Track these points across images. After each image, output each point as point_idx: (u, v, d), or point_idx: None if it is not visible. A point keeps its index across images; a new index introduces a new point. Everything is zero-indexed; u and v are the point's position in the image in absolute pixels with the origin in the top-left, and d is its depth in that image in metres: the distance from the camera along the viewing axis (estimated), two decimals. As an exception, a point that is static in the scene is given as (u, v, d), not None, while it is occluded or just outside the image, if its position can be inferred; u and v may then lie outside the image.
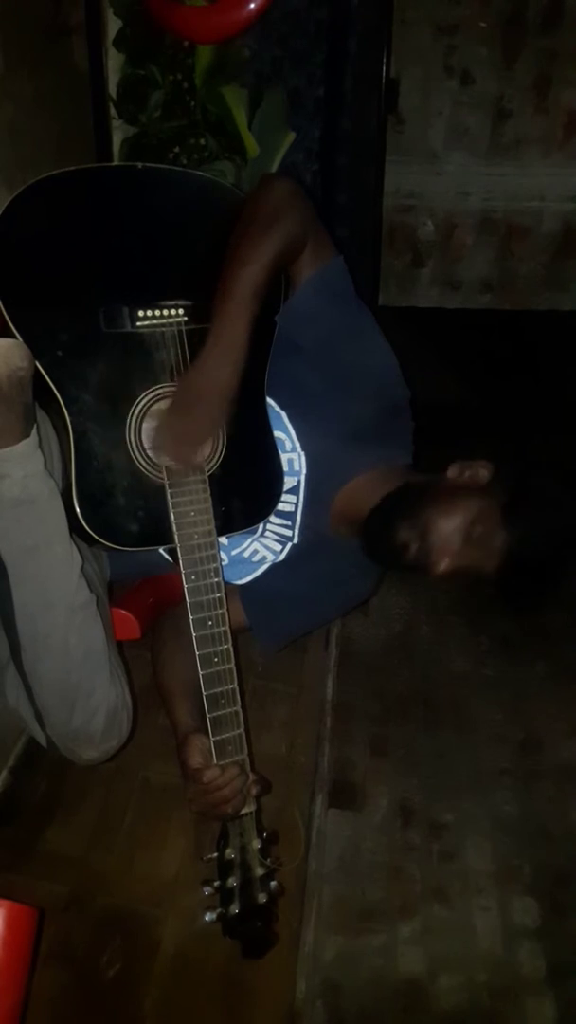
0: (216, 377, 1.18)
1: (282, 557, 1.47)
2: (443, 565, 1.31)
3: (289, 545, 1.46)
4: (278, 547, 1.47)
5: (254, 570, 1.48)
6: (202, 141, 2.16)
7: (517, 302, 3.35)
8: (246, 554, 1.46)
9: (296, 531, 1.45)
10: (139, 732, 1.35)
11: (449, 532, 1.31)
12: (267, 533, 1.46)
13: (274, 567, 1.48)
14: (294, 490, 1.41)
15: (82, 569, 1.21)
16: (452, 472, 1.38)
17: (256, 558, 1.47)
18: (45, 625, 1.18)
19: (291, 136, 2.24)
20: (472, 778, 1.73)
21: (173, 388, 1.23)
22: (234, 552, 1.45)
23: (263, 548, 1.47)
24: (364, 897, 1.50)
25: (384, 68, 2.29)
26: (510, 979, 1.38)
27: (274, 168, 2.23)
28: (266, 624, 1.48)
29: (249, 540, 1.46)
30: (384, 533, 1.36)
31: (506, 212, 3.19)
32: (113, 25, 2.08)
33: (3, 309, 1.14)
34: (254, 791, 1.21)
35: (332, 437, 1.41)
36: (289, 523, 1.44)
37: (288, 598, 1.48)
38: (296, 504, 1.43)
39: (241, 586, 1.48)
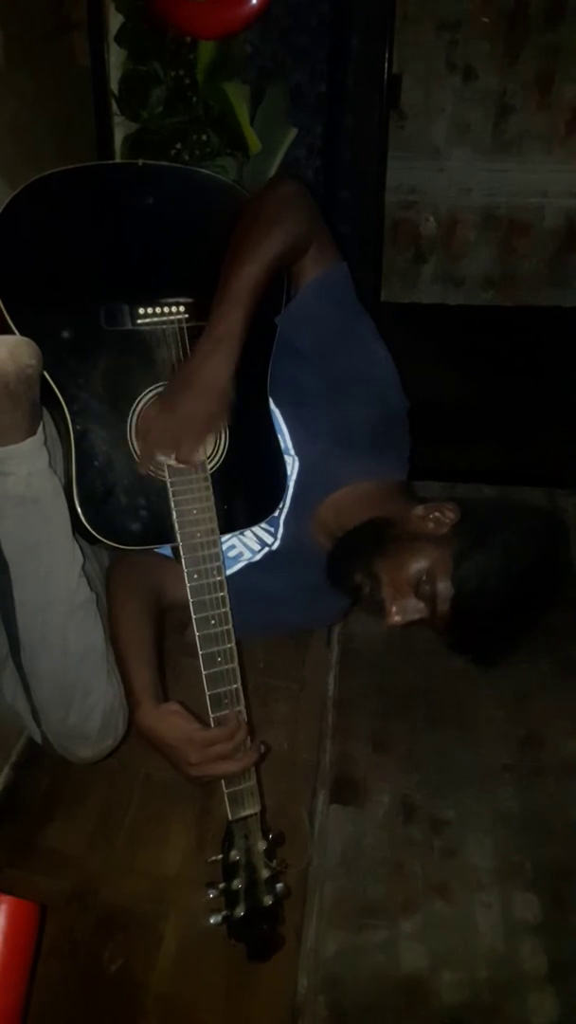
0: (208, 370, 1.18)
1: (257, 559, 1.47)
2: (392, 620, 1.29)
3: (266, 550, 1.46)
4: (256, 547, 1.46)
5: (230, 566, 1.47)
6: (204, 137, 2.15)
7: (519, 298, 3.34)
8: (224, 548, 1.46)
9: (278, 536, 1.44)
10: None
11: (399, 585, 1.28)
12: (248, 532, 1.45)
13: (249, 567, 1.48)
14: None
15: (83, 567, 1.21)
16: (418, 512, 1.35)
17: (233, 554, 1.47)
18: (45, 623, 1.18)
19: (293, 132, 2.24)
20: (474, 774, 1.73)
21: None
22: None
23: (241, 545, 1.46)
24: (366, 893, 1.51)
25: (386, 64, 2.28)
26: (512, 975, 1.39)
27: (276, 164, 2.23)
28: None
29: (230, 535, 1.45)
30: (342, 573, 1.36)
31: (508, 208, 3.18)
32: (115, 21, 2.07)
33: (3, 307, 1.14)
34: (259, 748, 1.21)
35: (326, 443, 1.40)
36: (272, 528, 1.44)
37: (256, 596, 1.47)
38: (282, 509, 1.42)
39: None
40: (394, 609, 1.28)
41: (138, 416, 1.22)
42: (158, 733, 1.23)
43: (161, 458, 1.20)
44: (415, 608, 1.29)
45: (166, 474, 1.21)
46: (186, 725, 1.20)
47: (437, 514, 1.33)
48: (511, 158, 3.12)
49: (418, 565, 1.28)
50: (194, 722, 1.20)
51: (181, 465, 1.20)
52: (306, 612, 1.61)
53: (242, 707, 1.21)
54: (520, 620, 1.32)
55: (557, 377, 2.98)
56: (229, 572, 1.46)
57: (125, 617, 1.33)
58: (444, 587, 1.26)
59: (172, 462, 1.20)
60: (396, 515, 1.35)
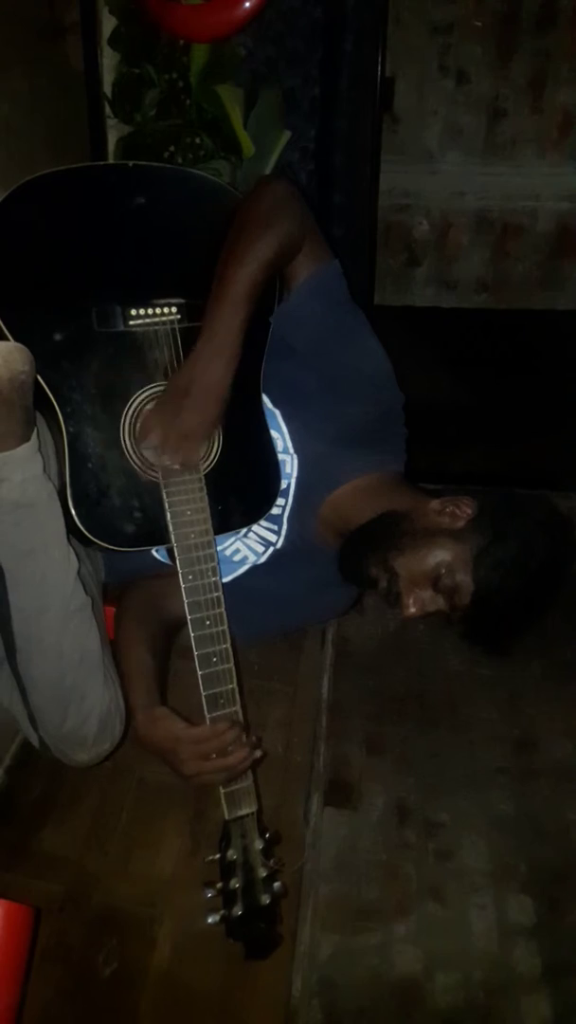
0: (208, 376, 1.18)
1: (263, 560, 1.47)
2: (408, 612, 1.30)
3: (271, 549, 1.46)
4: (260, 549, 1.46)
5: (235, 570, 1.48)
6: (197, 140, 2.15)
7: (512, 301, 3.35)
8: (228, 552, 1.46)
9: (281, 536, 1.45)
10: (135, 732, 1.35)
11: (417, 579, 1.30)
12: (250, 535, 1.45)
13: (254, 569, 1.48)
14: (284, 492, 1.40)
15: (78, 572, 1.21)
16: (435, 506, 1.36)
17: (237, 558, 1.47)
18: (40, 628, 1.18)
19: (286, 135, 2.24)
20: (468, 777, 1.73)
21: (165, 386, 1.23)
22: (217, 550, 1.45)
23: (245, 548, 1.46)
24: (360, 896, 1.50)
25: (379, 68, 2.28)
26: (506, 977, 1.39)
27: (269, 167, 2.23)
28: (239, 620, 1.47)
29: (232, 539, 1.45)
30: (357, 566, 1.36)
31: (501, 211, 3.19)
32: (108, 24, 2.08)
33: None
34: (254, 748, 1.21)
35: (324, 440, 1.41)
36: (276, 527, 1.44)
37: (265, 599, 1.48)
38: (284, 507, 1.42)
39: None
40: (411, 601, 1.30)
41: (136, 418, 1.22)
42: (151, 739, 1.23)
43: (167, 463, 1.20)
44: (432, 601, 1.31)
45: (160, 476, 1.21)
46: (175, 726, 1.20)
47: (453, 508, 1.34)
48: (504, 161, 3.13)
49: (437, 559, 1.29)
50: (182, 722, 1.20)
51: (181, 468, 1.21)
52: (315, 607, 1.62)
53: (238, 707, 1.21)
54: (535, 611, 1.34)
55: (551, 380, 2.99)
56: (234, 576, 1.47)
57: (129, 643, 1.36)
58: (464, 581, 1.28)
59: (176, 467, 1.20)
60: (410, 509, 1.36)
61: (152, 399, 1.23)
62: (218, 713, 1.19)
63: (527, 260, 3.28)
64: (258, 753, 1.21)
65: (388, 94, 2.88)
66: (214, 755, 1.17)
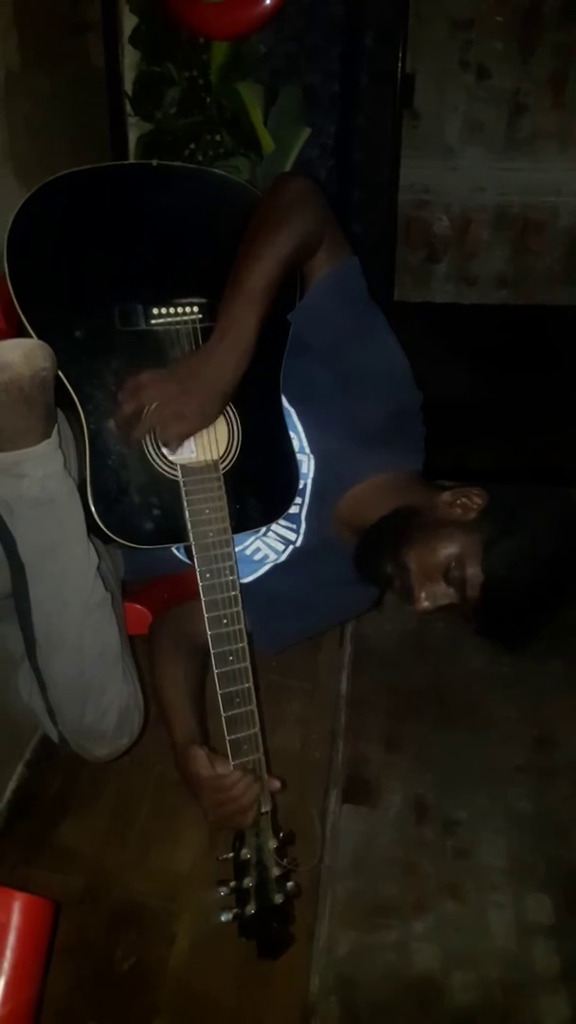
0: (218, 370, 1.17)
1: (283, 559, 1.47)
2: (421, 605, 1.29)
3: (291, 547, 1.46)
4: (280, 547, 1.46)
5: (256, 569, 1.47)
6: (217, 137, 2.16)
7: (533, 297, 3.34)
8: (248, 551, 1.46)
9: (300, 534, 1.44)
10: (154, 727, 1.36)
11: (428, 572, 1.28)
12: (270, 533, 1.45)
13: (276, 568, 1.47)
14: (301, 492, 1.40)
15: (98, 568, 1.21)
16: (445, 498, 1.34)
17: (258, 556, 1.47)
18: (60, 623, 1.18)
19: (306, 132, 2.24)
20: (486, 775, 1.73)
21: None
22: (236, 549, 1.45)
23: (265, 547, 1.46)
24: (378, 893, 1.51)
25: (400, 63, 2.28)
26: (524, 976, 1.39)
27: (289, 164, 2.23)
28: (266, 627, 1.46)
29: (252, 538, 1.45)
30: (372, 565, 1.36)
31: (522, 207, 3.17)
32: (129, 22, 2.09)
33: (18, 307, 1.15)
34: (274, 785, 1.22)
35: (340, 438, 1.40)
36: (294, 526, 1.44)
37: (289, 602, 1.46)
38: (302, 506, 1.42)
39: (243, 586, 1.47)
40: (423, 595, 1.28)
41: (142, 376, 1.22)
42: (183, 773, 1.23)
43: (148, 430, 1.19)
44: (444, 593, 1.29)
45: (179, 473, 1.22)
46: (201, 769, 1.19)
47: (464, 500, 1.33)
48: (524, 157, 3.11)
49: (447, 551, 1.28)
50: (208, 766, 1.19)
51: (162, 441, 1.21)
52: (338, 605, 1.61)
53: (254, 706, 1.21)
54: (549, 604, 1.32)
55: (570, 375, 2.97)
56: (256, 575, 1.47)
57: (168, 680, 1.36)
58: (474, 573, 1.26)
59: (154, 437, 1.20)
60: (421, 503, 1.35)
61: None
62: (240, 760, 1.19)
63: (548, 256, 3.27)
64: (267, 807, 1.22)
65: (408, 90, 2.86)
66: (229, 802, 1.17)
